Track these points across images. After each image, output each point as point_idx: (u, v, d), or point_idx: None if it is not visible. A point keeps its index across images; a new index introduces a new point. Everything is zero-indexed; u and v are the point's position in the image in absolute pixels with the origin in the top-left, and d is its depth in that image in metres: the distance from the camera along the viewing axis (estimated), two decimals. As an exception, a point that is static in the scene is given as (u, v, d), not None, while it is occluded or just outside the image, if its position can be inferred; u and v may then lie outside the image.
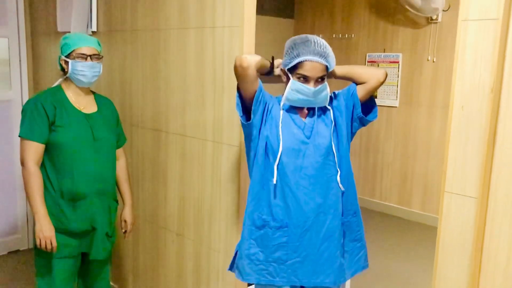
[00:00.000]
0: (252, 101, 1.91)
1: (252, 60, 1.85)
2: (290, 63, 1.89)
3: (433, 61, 5.01)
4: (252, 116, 1.92)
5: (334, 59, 1.93)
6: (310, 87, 1.87)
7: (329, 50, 1.90)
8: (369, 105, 2.03)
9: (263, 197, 1.96)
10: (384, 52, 5.41)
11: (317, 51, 1.86)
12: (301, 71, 1.87)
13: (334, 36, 5.80)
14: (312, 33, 5.94)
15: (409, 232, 5.00)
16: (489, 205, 1.60)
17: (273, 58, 2.01)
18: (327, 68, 1.90)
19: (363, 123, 2.02)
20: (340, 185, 1.95)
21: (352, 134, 2.05)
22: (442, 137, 5.02)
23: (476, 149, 1.60)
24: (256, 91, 1.90)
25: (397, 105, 5.35)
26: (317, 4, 5.97)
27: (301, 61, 1.86)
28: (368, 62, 5.55)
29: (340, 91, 2.04)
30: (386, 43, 5.40)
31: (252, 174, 2.00)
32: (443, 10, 4.83)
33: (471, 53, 1.60)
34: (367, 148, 5.68)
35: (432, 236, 4.94)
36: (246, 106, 1.95)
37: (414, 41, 5.15)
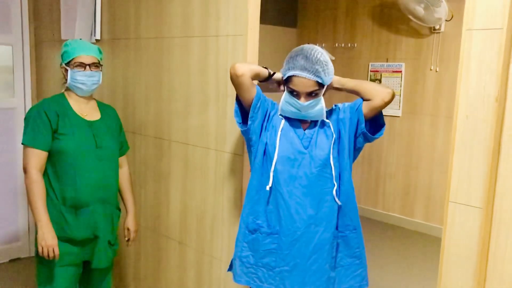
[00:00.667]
0: (250, 108, 1.95)
1: (245, 68, 1.91)
2: (284, 75, 1.92)
3: (436, 71, 5.01)
4: (249, 122, 1.96)
5: (330, 72, 1.88)
6: (300, 101, 1.87)
7: (322, 64, 1.84)
8: (377, 122, 1.99)
9: (258, 202, 1.98)
10: (387, 61, 5.42)
11: (306, 66, 1.83)
12: (291, 85, 1.88)
13: (337, 45, 5.81)
14: (315, 42, 5.95)
15: (411, 242, 4.97)
16: (494, 215, 1.59)
17: (266, 68, 2.00)
18: (320, 83, 1.86)
19: (367, 139, 1.97)
20: (336, 199, 1.93)
21: (356, 149, 2.00)
22: (445, 147, 5.00)
23: (481, 159, 1.59)
24: (253, 98, 1.94)
25: (400, 115, 5.34)
26: (320, 14, 5.99)
27: (291, 76, 1.87)
28: (371, 71, 5.55)
29: (347, 104, 2.01)
30: (389, 53, 5.40)
31: (250, 179, 2.02)
32: (446, 20, 4.84)
33: (475, 63, 1.59)
34: (369, 158, 5.66)
35: (435, 246, 4.91)
36: (246, 113, 1.98)
37: (417, 51, 5.15)
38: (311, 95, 1.87)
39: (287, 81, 1.90)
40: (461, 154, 1.65)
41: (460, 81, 1.64)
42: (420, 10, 4.74)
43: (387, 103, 1.90)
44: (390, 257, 4.53)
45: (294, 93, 1.88)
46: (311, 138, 1.94)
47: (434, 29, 4.96)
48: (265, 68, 2.00)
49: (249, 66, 1.94)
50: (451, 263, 1.69)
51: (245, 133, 2.01)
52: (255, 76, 1.97)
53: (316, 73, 1.83)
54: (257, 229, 1.97)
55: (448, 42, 4.91)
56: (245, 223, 2.01)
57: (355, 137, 1.97)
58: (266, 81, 2.03)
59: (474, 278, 1.63)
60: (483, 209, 1.59)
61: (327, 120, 1.96)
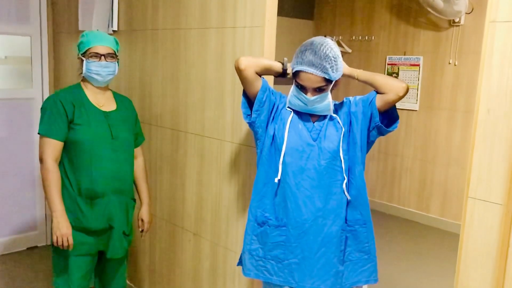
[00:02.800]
0: (255, 102, 1.96)
1: (248, 62, 1.92)
2: (293, 69, 1.90)
3: (455, 65, 4.94)
4: (254, 115, 1.96)
5: (339, 68, 1.84)
6: (307, 96, 1.86)
7: (330, 60, 1.81)
8: (390, 115, 1.96)
9: (266, 194, 1.98)
10: (404, 55, 5.35)
11: (314, 62, 1.80)
12: (298, 80, 1.87)
13: (354, 38, 5.75)
14: (331, 35, 5.90)
15: (427, 237, 4.93)
16: (515, 212, 1.56)
17: (285, 61, 1.98)
18: (327, 79, 1.83)
19: (381, 132, 1.94)
20: (346, 192, 1.91)
21: (369, 142, 1.98)
22: (463, 142, 4.93)
23: (503, 154, 1.56)
24: (258, 92, 1.94)
25: (417, 109, 5.28)
26: (337, 6, 5.93)
27: (298, 70, 1.85)
28: (388, 64, 5.49)
29: (360, 96, 1.98)
30: (407, 46, 5.33)
31: (257, 171, 2.02)
32: (466, 13, 4.75)
33: (498, 55, 1.55)
34: (386, 152, 5.61)
35: (451, 242, 4.87)
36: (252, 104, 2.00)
37: (436, 44, 5.08)
38: (318, 90, 1.85)
39: (295, 75, 1.88)
40: (482, 149, 1.61)
41: (481, 74, 1.60)
42: (439, 2, 4.66)
43: (401, 98, 1.87)
44: (405, 252, 4.50)
45: (301, 88, 1.87)
46: (320, 131, 1.93)
47: (454, 22, 4.88)
48: (281, 62, 1.98)
49: (254, 60, 1.95)
50: (469, 259, 1.67)
51: (251, 126, 2.02)
52: (263, 71, 1.96)
53: (323, 69, 1.80)
54: (265, 222, 1.97)
55: (467, 35, 4.82)
56: (253, 216, 2.01)
57: (369, 130, 1.94)
58: (281, 77, 2.01)
59: (493, 276, 1.60)
60: (503, 205, 1.56)
61: (335, 115, 1.94)
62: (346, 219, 1.95)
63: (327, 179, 1.90)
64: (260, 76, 1.97)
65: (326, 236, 1.90)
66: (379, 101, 1.90)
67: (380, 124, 1.90)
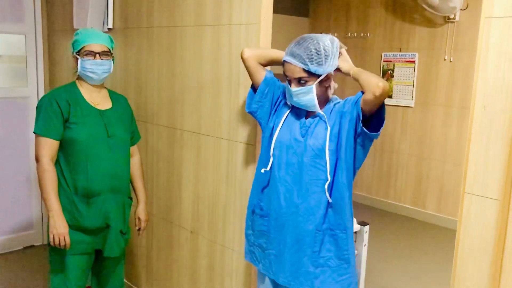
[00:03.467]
0: (257, 92, 2.03)
1: (252, 52, 2.02)
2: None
3: (450, 61, 4.95)
4: (255, 106, 2.04)
5: (325, 63, 1.81)
6: (290, 87, 1.88)
7: (311, 52, 1.80)
8: (376, 119, 1.81)
9: (259, 184, 2.04)
10: (400, 51, 5.35)
11: (294, 52, 1.84)
12: (283, 70, 1.92)
13: (349, 35, 5.75)
14: (327, 31, 5.92)
15: (423, 233, 4.95)
16: (511, 207, 1.56)
17: None
18: (307, 71, 1.81)
19: (369, 136, 1.82)
20: (327, 193, 1.86)
21: (361, 145, 1.87)
22: (459, 138, 4.95)
23: (499, 150, 1.56)
24: (261, 83, 2.01)
25: (412, 105, 5.29)
26: (333, 3, 5.93)
27: (283, 61, 1.90)
28: (383, 61, 5.49)
29: (351, 97, 1.92)
30: (402, 42, 5.34)
31: (258, 161, 2.08)
32: (461, 9, 4.76)
33: (494, 51, 1.56)
34: (382, 149, 5.62)
35: (447, 238, 4.89)
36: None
37: (431, 41, 5.09)
38: (300, 82, 1.86)
39: (283, 66, 1.93)
40: (478, 144, 1.62)
41: (477, 70, 1.60)
42: (434, -1, 4.67)
43: (378, 98, 1.72)
44: (401, 248, 4.51)
45: (288, 79, 1.91)
46: (309, 127, 1.93)
47: (449, 19, 4.89)
48: None
49: (259, 51, 2.04)
50: (466, 255, 1.67)
51: (253, 116, 2.08)
52: (268, 62, 2.04)
53: (301, 60, 1.82)
54: (254, 210, 2.05)
55: (462, 32, 4.84)
56: (251, 204, 2.09)
57: (355, 133, 1.84)
58: None
59: (490, 271, 1.61)
60: (499, 200, 1.57)
61: (321, 112, 1.90)
62: (325, 221, 1.89)
63: (308, 176, 1.88)
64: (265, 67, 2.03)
65: (300, 234, 1.90)
66: (362, 102, 1.79)
67: (363, 127, 1.79)
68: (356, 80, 1.85)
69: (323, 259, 1.90)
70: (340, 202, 1.89)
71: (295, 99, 1.90)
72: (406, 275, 3.92)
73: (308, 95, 1.87)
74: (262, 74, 2.02)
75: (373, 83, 1.73)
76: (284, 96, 2.02)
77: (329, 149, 1.86)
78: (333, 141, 1.87)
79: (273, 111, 2.03)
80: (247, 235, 2.12)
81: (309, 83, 1.85)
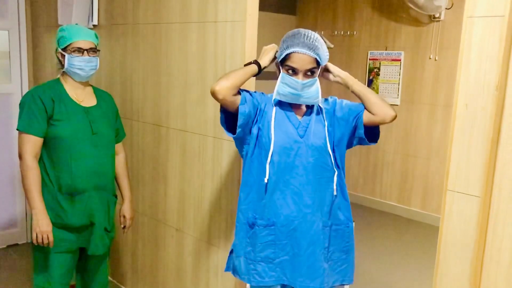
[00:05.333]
0: (238, 117, 1.88)
1: (225, 89, 1.83)
2: (280, 55, 1.89)
3: (435, 60, 4.99)
4: (238, 130, 1.90)
5: (326, 54, 1.90)
6: (298, 79, 1.85)
7: (320, 43, 1.87)
8: (373, 131, 1.99)
9: (255, 195, 1.95)
10: (386, 49, 5.39)
11: (306, 43, 1.84)
12: (289, 62, 1.86)
13: (336, 33, 5.77)
14: (314, 29, 5.92)
15: (408, 230, 5.00)
16: (492, 204, 1.59)
17: (254, 62, 1.96)
18: (317, 62, 1.86)
19: (361, 143, 1.98)
20: (335, 187, 1.92)
21: (349, 147, 2.01)
22: (443, 136, 5.00)
23: (480, 147, 1.58)
24: (238, 106, 1.87)
25: (398, 103, 5.33)
26: (320, 1, 5.94)
27: (290, 53, 1.85)
28: (370, 59, 5.52)
29: (347, 103, 1.99)
30: (388, 41, 5.37)
31: (244, 173, 1.99)
32: (446, 8, 4.81)
33: (476, 50, 1.58)
34: (367, 147, 5.65)
35: (432, 235, 4.94)
36: (234, 115, 1.91)
37: (417, 39, 5.13)
38: (309, 73, 1.86)
39: (284, 60, 1.87)
40: (460, 142, 1.64)
41: (460, 69, 1.62)
42: (420, -2, 4.71)
43: (386, 123, 1.93)
44: (387, 245, 4.55)
45: (293, 72, 1.86)
46: (307, 127, 1.92)
47: (434, 18, 4.93)
48: (253, 62, 1.95)
49: (229, 83, 1.85)
50: (449, 251, 1.70)
51: (236, 139, 1.97)
52: (241, 85, 1.90)
53: (316, 49, 1.84)
54: (254, 223, 1.93)
55: (447, 31, 4.88)
56: (245, 218, 1.97)
57: (349, 139, 1.98)
58: (259, 73, 1.98)
59: (471, 266, 1.63)
60: (481, 197, 1.59)
61: (322, 106, 1.95)
62: (330, 216, 1.95)
63: (315, 175, 1.90)
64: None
65: (314, 234, 1.90)
66: (365, 117, 1.93)
67: (363, 137, 1.93)
68: (357, 95, 1.95)
69: (329, 254, 1.96)
70: (342, 198, 1.96)
71: (300, 91, 1.86)
72: (391, 271, 3.96)
73: (314, 86, 1.88)
74: (238, 101, 1.88)
75: (386, 112, 1.93)
76: (262, 102, 1.96)
77: (329, 145, 1.92)
78: (330, 139, 1.93)
79: (255, 121, 1.94)
80: (245, 254, 1.95)
81: (315, 74, 1.88)
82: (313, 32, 1.90)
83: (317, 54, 1.85)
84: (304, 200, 1.89)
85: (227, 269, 2.09)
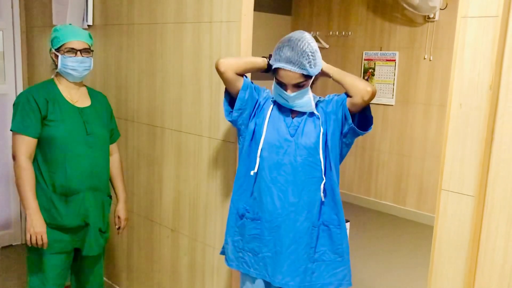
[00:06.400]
0: (236, 100, 1.96)
1: (228, 64, 1.93)
2: (272, 66, 1.90)
3: (430, 60, 5.01)
4: (235, 113, 1.97)
5: (317, 63, 1.84)
6: (287, 93, 1.86)
7: (307, 56, 1.80)
8: (364, 117, 1.92)
9: (246, 188, 2.01)
10: (380, 50, 5.40)
11: (290, 58, 1.80)
12: (277, 76, 1.87)
13: (331, 33, 5.78)
14: (309, 30, 5.93)
15: (403, 230, 5.01)
16: (486, 204, 1.60)
17: (270, 56, 1.98)
18: (305, 75, 1.83)
19: (357, 133, 1.92)
20: (322, 191, 1.91)
21: (347, 145, 1.96)
22: (438, 136, 5.02)
23: (474, 147, 1.59)
24: (238, 90, 1.95)
25: (393, 104, 5.35)
26: (315, 1, 5.95)
27: (277, 68, 1.85)
28: (364, 60, 5.54)
29: (335, 97, 1.96)
30: (383, 41, 5.39)
31: (238, 165, 2.04)
32: (441, 9, 4.83)
33: (470, 50, 1.58)
34: (362, 146, 5.67)
35: (427, 234, 4.95)
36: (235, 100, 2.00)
37: (411, 40, 5.14)
38: (297, 86, 1.85)
39: (274, 72, 1.89)
40: (454, 142, 1.65)
41: (454, 69, 1.63)
42: (414, -2, 4.72)
43: (367, 102, 1.83)
44: (382, 245, 4.56)
45: (281, 85, 1.88)
46: (298, 126, 1.93)
47: (429, 18, 4.95)
48: (265, 57, 1.97)
49: (234, 61, 1.95)
50: (443, 250, 1.70)
51: (233, 123, 2.03)
52: (245, 70, 1.96)
53: (301, 66, 1.81)
54: (243, 214, 2.01)
55: (442, 31, 4.90)
56: (235, 208, 2.04)
57: (341, 133, 1.92)
58: (267, 72, 2.00)
59: (466, 266, 1.64)
60: (475, 197, 1.60)
61: (317, 113, 1.93)
62: (320, 217, 1.95)
63: (303, 175, 1.90)
64: (243, 75, 1.97)
65: (297, 232, 1.91)
66: (348, 103, 1.88)
67: (353, 126, 1.88)
68: (337, 82, 1.91)
69: (318, 254, 1.95)
70: (333, 198, 1.95)
71: (291, 103, 1.89)
72: (386, 271, 3.96)
73: (305, 97, 1.88)
74: (240, 82, 1.96)
75: (361, 88, 1.82)
76: (263, 98, 2.02)
77: (321, 146, 1.90)
78: (322, 140, 1.91)
79: (253, 115, 2.00)
80: (233, 242, 2.04)
81: (305, 86, 1.86)
82: (304, 41, 1.82)
83: (304, 69, 1.81)
84: (289, 199, 1.91)
85: (221, 253, 2.17)
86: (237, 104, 1.96)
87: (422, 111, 5.14)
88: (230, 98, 2.02)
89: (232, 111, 2.00)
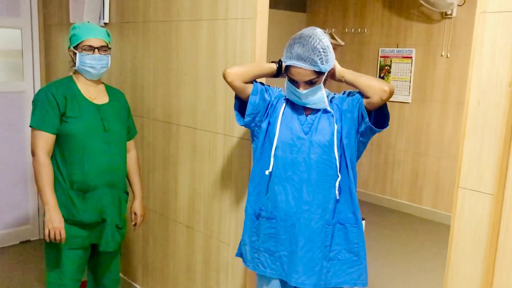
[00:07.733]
0: (247, 105, 1.96)
1: (235, 74, 1.93)
2: (282, 69, 1.92)
3: (447, 57, 4.95)
4: (247, 118, 1.97)
5: (329, 59, 1.82)
6: (299, 90, 1.85)
7: (319, 52, 1.79)
8: (380, 114, 1.89)
9: (260, 188, 2.00)
10: (397, 47, 5.36)
11: (301, 55, 1.79)
12: (289, 74, 1.87)
13: (346, 30, 5.75)
14: (324, 27, 5.89)
15: (419, 229, 4.96)
16: (505, 202, 1.57)
17: (279, 61, 1.98)
18: (317, 71, 1.81)
19: (373, 131, 1.89)
20: (337, 189, 1.89)
21: (363, 143, 1.95)
22: (455, 133, 4.96)
23: (493, 145, 1.57)
24: (249, 96, 1.95)
25: (409, 101, 5.30)
26: (330, -2, 5.92)
27: (288, 65, 1.85)
28: (380, 57, 5.49)
29: (351, 94, 1.94)
30: (400, 38, 5.34)
31: (253, 165, 2.04)
32: (458, 5, 4.76)
33: (489, 47, 1.56)
34: (378, 144, 5.63)
35: (443, 233, 4.91)
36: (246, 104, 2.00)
37: (428, 36, 5.09)
38: (309, 83, 1.84)
39: (286, 69, 1.88)
40: (472, 139, 1.62)
41: (472, 65, 1.61)
42: (432, -6, 4.67)
43: (385, 101, 1.81)
44: (398, 244, 4.52)
45: (293, 82, 1.87)
46: (312, 124, 1.92)
47: (446, 14, 4.89)
48: (275, 62, 1.97)
49: (241, 70, 1.95)
50: (460, 250, 1.68)
51: (246, 126, 2.02)
52: (253, 78, 1.97)
53: (312, 62, 1.79)
54: (260, 214, 2.00)
55: (459, 28, 4.84)
56: (252, 209, 2.03)
57: (357, 131, 1.90)
58: (278, 76, 2.00)
59: (483, 265, 1.62)
60: (493, 195, 1.58)
61: (330, 110, 1.92)
62: (334, 215, 1.93)
63: (317, 173, 1.89)
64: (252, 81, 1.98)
65: (312, 232, 1.90)
66: (365, 103, 1.85)
67: (370, 124, 1.86)
68: (351, 84, 1.90)
69: (333, 253, 1.94)
70: (348, 196, 1.93)
71: (304, 100, 1.88)
72: (402, 270, 3.94)
73: (317, 94, 1.87)
74: (249, 88, 1.96)
75: (378, 88, 1.80)
76: (276, 98, 2.01)
77: (337, 145, 1.88)
78: (337, 137, 1.90)
79: (266, 115, 1.99)
80: (251, 242, 2.03)
81: (317, 83, 1.85)
82: (315, 38, 1.81)
83: (315, 66, 1.80)
84: (303, 197, 1.90)
85: (237, 255, 2.16)
86: (249, 109, 1.96)
87: (439, 109, 5.08)
88: (242, 100, 2.02)
89: (243, 116, 1.99)
